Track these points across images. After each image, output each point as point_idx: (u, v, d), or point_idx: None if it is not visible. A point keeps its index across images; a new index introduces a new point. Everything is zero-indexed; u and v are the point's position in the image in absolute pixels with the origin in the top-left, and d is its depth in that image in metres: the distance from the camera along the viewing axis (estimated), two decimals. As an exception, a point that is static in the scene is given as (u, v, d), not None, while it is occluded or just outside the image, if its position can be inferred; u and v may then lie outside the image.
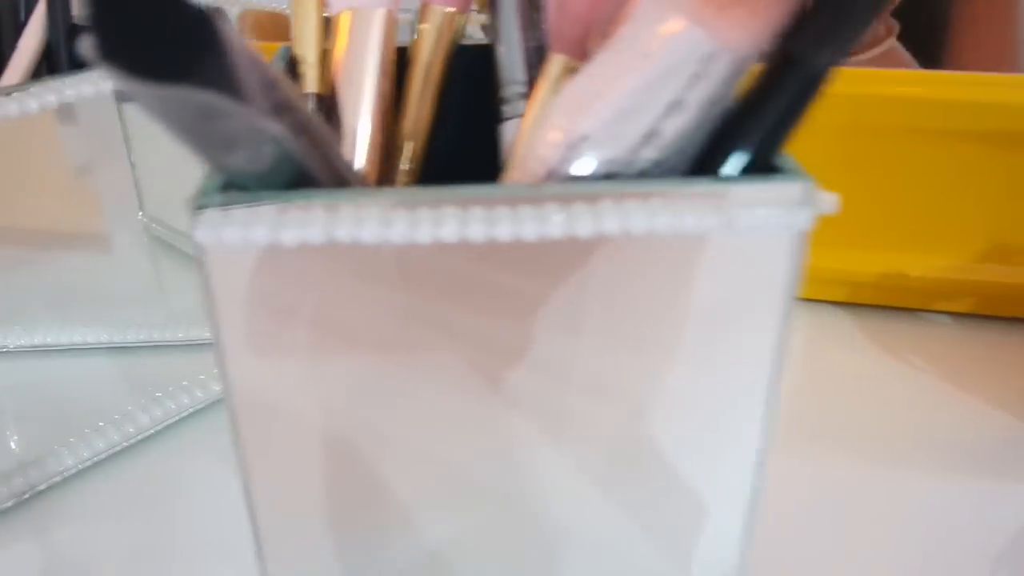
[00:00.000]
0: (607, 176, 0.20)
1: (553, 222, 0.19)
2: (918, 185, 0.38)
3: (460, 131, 0.29)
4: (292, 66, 0.28)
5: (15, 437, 0.32)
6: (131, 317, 0.36)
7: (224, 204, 0.18)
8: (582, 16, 0.23)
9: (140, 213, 0.36)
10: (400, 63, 0.28)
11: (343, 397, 0.21)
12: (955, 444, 0.33)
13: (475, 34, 0.30)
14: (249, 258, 0.19)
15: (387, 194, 0.19)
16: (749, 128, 0.19)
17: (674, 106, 0.18)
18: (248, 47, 0.15)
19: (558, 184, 0.19)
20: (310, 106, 0.28)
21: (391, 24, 0.27)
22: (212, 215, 0.18)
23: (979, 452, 0.32)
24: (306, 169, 0.18)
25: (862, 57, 0.45)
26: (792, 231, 0.19)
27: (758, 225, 0.19)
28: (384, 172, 0.28)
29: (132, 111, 0.34)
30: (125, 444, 0.32)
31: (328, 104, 0.27)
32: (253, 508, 0.23)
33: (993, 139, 0.36)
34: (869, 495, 0.30)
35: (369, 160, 0.27)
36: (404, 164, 0.28)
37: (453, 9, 0.27)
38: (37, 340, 0.35)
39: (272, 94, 0.16)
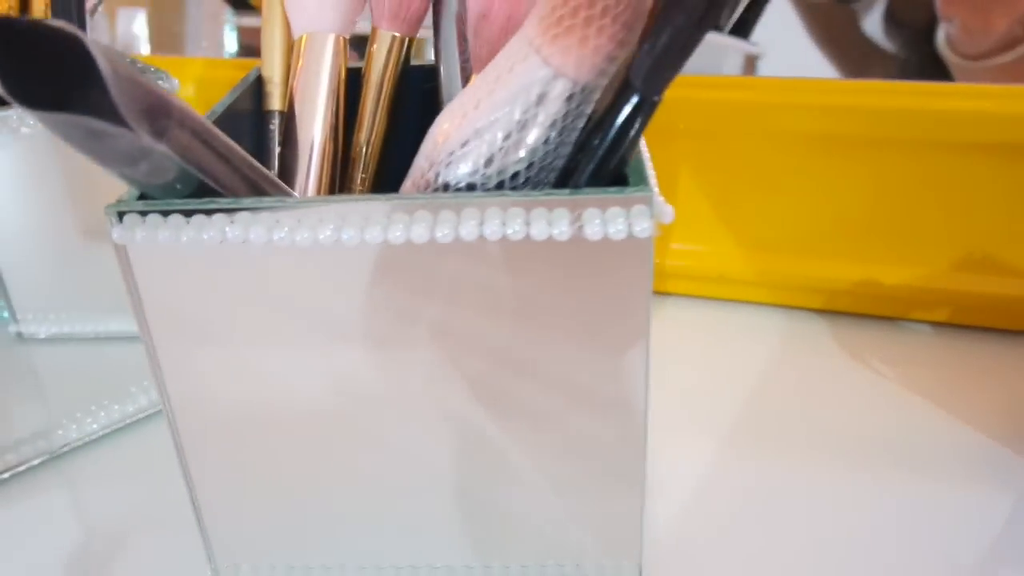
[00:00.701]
0: (479, 184, 0.22)
1: (419, 228, 0.21)
2: (895, 194, 0.38)
3: (415, 143, 0.32)
4: (259, 86, 0.31)
5: (46, 405, 0.36)
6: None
7: (137, 210, 0.21)
8: (492, 41, 0.26)
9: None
10: (356, 82, 0.31)
11: (256, 380, 0.24)
12: (916, 455, 0.33)
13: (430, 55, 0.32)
14: (165, 257, 0.22)
15: (272, 202, 0.21)
16: (595, 146, 0.21)
17: (526, 121, 0.21)
18: (130, 72, 0.18)
19: (429, 196, 0.22)
20: (275, 122, 0.31)
21: (342, 47, 0.30)
22: (128, 219, 0.21)
23: (941, 464, 0.32)
24: (210, 180, 0.21)
25: (998, 60, 0.44)
26: (637, 235, 0.21)
27: (604, 231, 0.21)
28: (342, 182, 0.31)
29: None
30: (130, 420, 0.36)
31: (288, 122, 0.30)
32: (192, 488, 0.26)
33: (970, 150, 0.36)
34: (825, 501, 0.31)
35: (322, 170, 0.30)
36: (359, 175, 0.31)
37: (399, 34, 0.30)
38: (66, 329, 0.39)
39: (158, 113, 0.19)
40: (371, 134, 0.31)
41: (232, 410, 0.25)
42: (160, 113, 0.19)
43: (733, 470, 0.32)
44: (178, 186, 0.21)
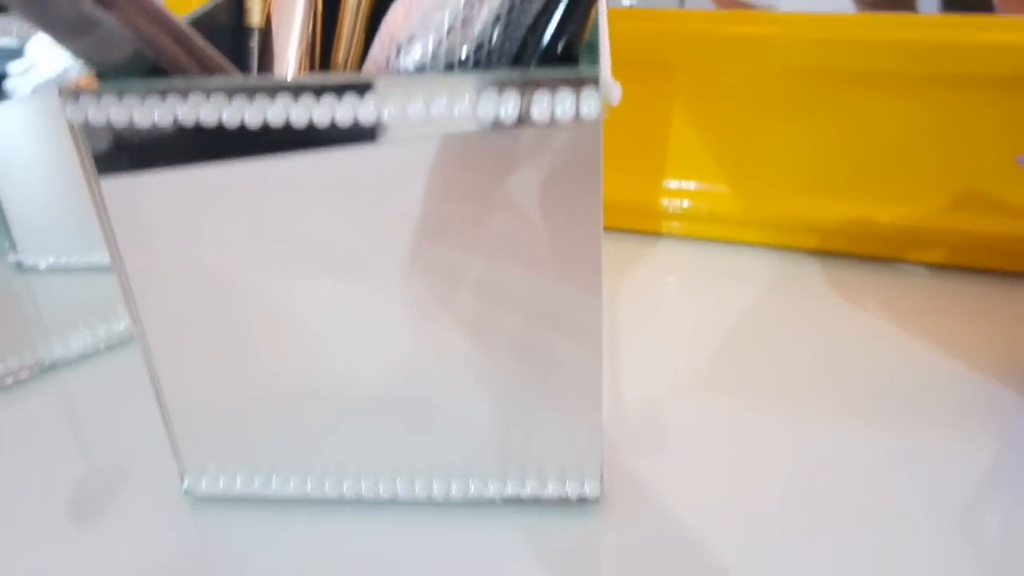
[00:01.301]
0: (428, 68, 0.22)
1: (366, 109, 0.21)
2: (891, 131, 0.37)
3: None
4: (240, 2, 0.31)
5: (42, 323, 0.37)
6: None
7: (92, 90, 0.22)
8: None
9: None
10: (335, 2, 0.31)
11: (220, 288, 0.24)
12: (911, 396, 0.32)
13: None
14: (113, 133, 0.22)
15: (223, 81, 0.21)
16: (544, 24, 0.20)
17: (474, 3, 0.21)
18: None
19: (381, 76, 0.22)
20: (254, 39, 0.31)
21: (319, -38, 0.30)
22: (83, 98, 0.22)
23: (936, 405, 0.31)
24: (163, 61, 0.22)
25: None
26: (585, 117, 0.20)
27: (551, 112, 0.20)
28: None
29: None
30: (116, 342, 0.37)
31: (265, 37, 0.30)
32: (161, 394, 0.26)
33: (969, 83, 0.35)
34: (815, 440, 0.30)
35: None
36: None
37: (376, -53, 0.30)
38: (63, 260, 0.40)
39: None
40: (348, 54, 0.31)
41: (197, 315, 0.25)
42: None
43: (717, 407, 0.32)
44: (129, 67, 0.22)
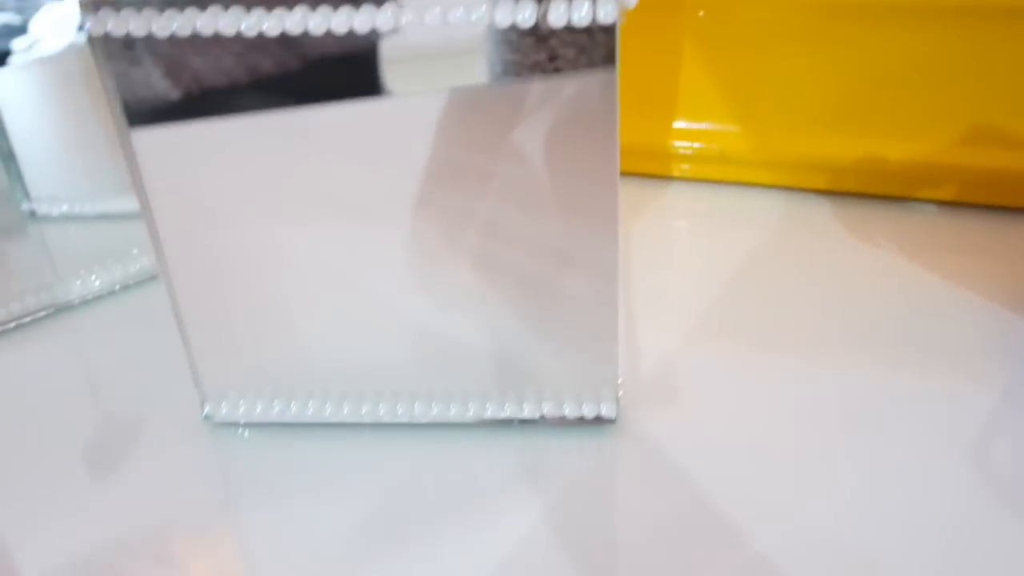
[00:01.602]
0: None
1: (383, 16, 0.21)
2: (898, 67, 0.37)
3: None
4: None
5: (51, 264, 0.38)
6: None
7: (112, 3, 0.22)
8: None
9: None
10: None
11: (245, 232, 0.24)
12: (926, 331, 0.32)
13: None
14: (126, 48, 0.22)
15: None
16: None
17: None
18: None
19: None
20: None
21: None
22: (102, 12, 0.22)
23: (946, 336, 0.31)
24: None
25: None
26: (601, 20, 0.21)
27: (568, 17, 0.21)
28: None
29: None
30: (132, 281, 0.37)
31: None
32: (182, 324, 0.27)
33: (973, 14, 0.35)
34: (831, 377, 0.30)
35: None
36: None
37: None
38: (76, 209, 0.41)
39: None
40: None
41: (218, 252, 0.25)
42: None
43: (730, 346, 0.32)
44: (151, -19, 0.22)
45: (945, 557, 0.23)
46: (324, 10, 0.21)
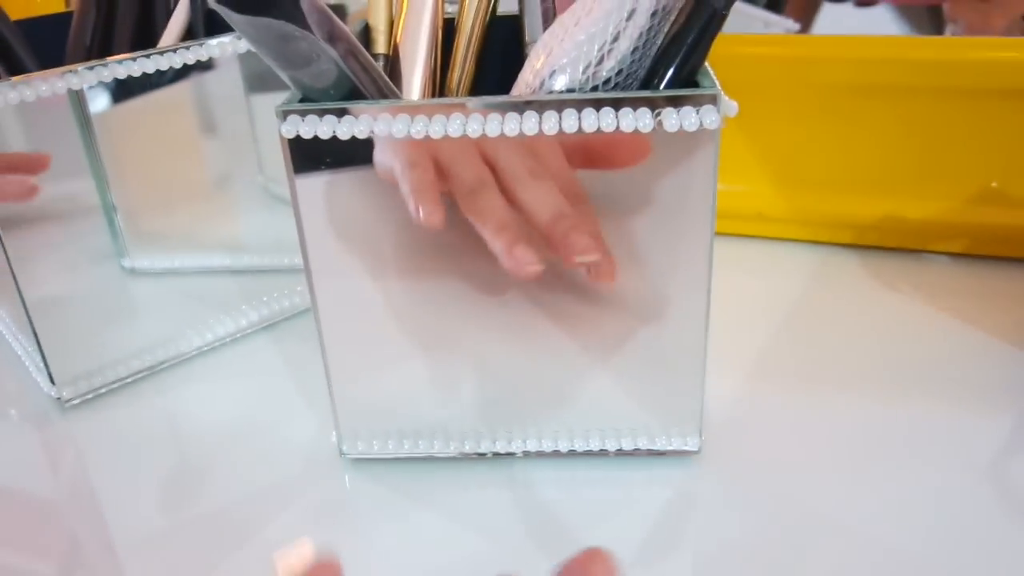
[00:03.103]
0: (577, 90, 0.27)
1: (529, 123, 0.26)
2: (917, 136, 0.43)
3: (498, 85, 0.37)
4: (366, 33, 0.36)
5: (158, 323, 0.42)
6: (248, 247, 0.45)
7: (300, 109, 0.26)
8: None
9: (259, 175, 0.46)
10: (448, 31, 0.36)
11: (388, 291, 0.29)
12: (944, 366, 0.37)
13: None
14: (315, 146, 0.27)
15: (413, 102, 0.26)
16: (674, 53, 0.25)
17: (618, 34, 0.25)
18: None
19: (531, 96, 0.27)
20: (380, 64, 0.36)
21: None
22: (292, 117, 0.26)
23: (976, 379, 0.36)
24: (356, 85, 0.26)
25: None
26: (707, 127, 0.25)
27: (680, 124, 0.25)
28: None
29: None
30: (239, 334, 0.41)
31: (393, 62, 0.35)
32: (328, 369, 0.31)
33: (984, 95, 0.41)
34: (867, 419, 0.35)
35: (422, 104, 0.35)
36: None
37: (488, -13, 0.35)
38: (176, 264, 0.45)
39: (327, 27, 0.24)
40: (462, 75, 0.36)
41: (363, 300, 0.30)
42: (327, 24, 0.24)
43: (785, 384, 0.37)
44: (331, 91, 0.26)
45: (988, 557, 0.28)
46: (476, 117, 0.26)
